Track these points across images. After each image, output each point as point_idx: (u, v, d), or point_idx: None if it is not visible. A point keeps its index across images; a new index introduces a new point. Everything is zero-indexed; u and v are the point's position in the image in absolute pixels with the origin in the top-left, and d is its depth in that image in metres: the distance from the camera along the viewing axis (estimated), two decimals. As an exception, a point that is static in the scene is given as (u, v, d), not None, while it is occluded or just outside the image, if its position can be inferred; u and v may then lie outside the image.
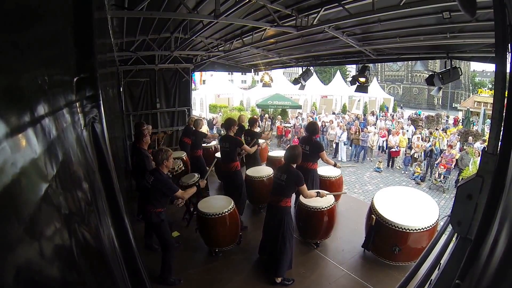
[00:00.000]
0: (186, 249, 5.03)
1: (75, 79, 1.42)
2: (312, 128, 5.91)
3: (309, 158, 5.61)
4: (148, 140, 5.46)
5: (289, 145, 4.89)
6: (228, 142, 5.71)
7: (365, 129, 16.62)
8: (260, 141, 7.23)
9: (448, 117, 28.86)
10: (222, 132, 8.52)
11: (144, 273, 2.25)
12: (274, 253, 4.36)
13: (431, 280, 2.03)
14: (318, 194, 4.63)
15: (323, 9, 4.81)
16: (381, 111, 28.49)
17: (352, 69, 48.86)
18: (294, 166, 4.39)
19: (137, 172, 5.40)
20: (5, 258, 0.56)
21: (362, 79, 7.93)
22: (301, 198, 4.98)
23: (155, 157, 4.18)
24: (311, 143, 5.67)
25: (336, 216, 5.16)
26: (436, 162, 12.96)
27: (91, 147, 1.57)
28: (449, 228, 2.23)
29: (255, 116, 7.88)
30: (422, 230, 4.21)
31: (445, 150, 13.04)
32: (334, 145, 16.53)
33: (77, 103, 1.39)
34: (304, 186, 4.32)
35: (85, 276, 1.03)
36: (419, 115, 23.99)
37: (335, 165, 6.08)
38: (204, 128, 8.47)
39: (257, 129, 7.32)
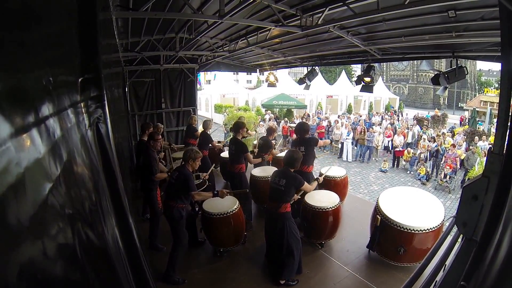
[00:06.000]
0: (190, 249, 5.03)
1: (80, 80, 1.43)
2: (301, 129, 5.71)
3: (305, 161, 5.38)
4: (156, 145, 5.43)
5: (288, 149, 4.89)
6: (235, 145, 5.78)
7: (370, 129, 16.56)
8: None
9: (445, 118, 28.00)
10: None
11: (148, 273, 2.26)
12: (279, 258, 4.33)
13: (436, 281, 2.01)
14: (318, 180, 4.88)
15: (327, 8, 4.79)
16: (386, 111, 28.36)
17: (357, 69, 48.59)
18: (292, 171, 4.29)
19: (142, 172, 5.41)
20: (10, 256, 0.56)
21: (367, 79, 7.90)
22: (306, 198, 4.97)
23: (184, 154, 4.41)
24: (304, 142, 5.52)
25: (341, 216, 5.14)
26: (442, 162, 12.88)
27: (95, 147, 1.58)
28: (455, 229, 2.22)
29: (273, 127, 7.89)
30: (427, 230, 4.18)
31: (449, 149, 12.95)
32: (339, 145, 16.48)
33: (81, 103, 1.40)
34: (306, 184, 4.30)
35: (89, 276, 1.04)
36: (428, 118, 23.66)
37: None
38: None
39: (273, 141, 7.29)
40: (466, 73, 5.84)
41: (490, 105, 26.23)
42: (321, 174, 5.07)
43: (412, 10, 4.18)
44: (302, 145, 5.52)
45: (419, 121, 20.60)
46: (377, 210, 4.62)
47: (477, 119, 22.69)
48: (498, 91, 1.96)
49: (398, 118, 23.45)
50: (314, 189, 5.08)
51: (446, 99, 45.20)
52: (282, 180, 4.21)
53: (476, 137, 14.87)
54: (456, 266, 1.90)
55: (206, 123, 7.31)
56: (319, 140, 5.54)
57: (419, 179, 13.11)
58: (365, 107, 29.75)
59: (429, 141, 14.22)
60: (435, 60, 38.47)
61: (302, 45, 7.88)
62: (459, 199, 2.15)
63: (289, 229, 4.23)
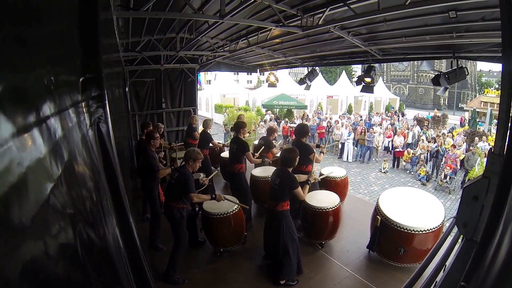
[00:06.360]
0: (190, 249, 5.03)
1: (81, 79, 1.43)
2: (300, 131, 5.68)
3: (301, 162, 5.43)
4: (156, 143, 5.45)
5: (285, 148, 4.86)
6: (236, 144, 5.76)
7: (370, 129, 16.57)
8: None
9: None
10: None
11: (148, 273, 2.26)
12: (277, 258, 4.33)
13: (436, 282, 2.01)
14: (308, 182, 4.59)
15: (328, 9, 4.79)
16: (387, 111, 28.35)
17: (357, 69, 48.55)
18: (290, 170, 4.28)
19: (143, 172, 5.42)
20: (12, 256, 0.56)
21: (368, 79, 7.90)
22: (306, 198, 4.95)
23: (185, 154, 4.42)
24: (299, 146, 5.36)
25: (341, 216, 5.14)
26: (442, 163, 12.89)
27: (96, 146, 1.58)
28: (455, 229, 2.22)
29: (274, 127, 7.87)
30: (427, 231, 4.18)
31: (449, 150, 12.96)
32: (340, 145, 16.49)
33: (82, 103, 1.40)
34: (299, 189, 4.23)
35: (90, 275, 1.04)
36: (428, 118, 23.59)
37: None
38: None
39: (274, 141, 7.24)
40: (466, 73, 5.84)
41: (490, 106, 26.23)
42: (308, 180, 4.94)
43: (413, 11, 4.18)
44: (298, 148, 5.48)
45: (419, 121, 20.59)
46: (377, 211, 4.62)
47: (477, 120, 22.67)
48: (499, 92, 1.96)
49: (398, 119, 23.45)
50: (314, 189, 5.07)
51: (447, 99, 45.22)
52: (277, 179, 4.23)
53: (476, 138, 14.88)
54: (457, 266, 1.90)
55: (206, 123, 7.33)
56: (313, 153, 5.47)
57: (419, 180, 13.12)
58: (365, 107, 29.76)
59: (429, 142, 14.23)
60: (436, 60, 38.45)
61: (302, 45, 7.88)
62: (459, 200, 2.15)
63: (285, 228, 4.21)
